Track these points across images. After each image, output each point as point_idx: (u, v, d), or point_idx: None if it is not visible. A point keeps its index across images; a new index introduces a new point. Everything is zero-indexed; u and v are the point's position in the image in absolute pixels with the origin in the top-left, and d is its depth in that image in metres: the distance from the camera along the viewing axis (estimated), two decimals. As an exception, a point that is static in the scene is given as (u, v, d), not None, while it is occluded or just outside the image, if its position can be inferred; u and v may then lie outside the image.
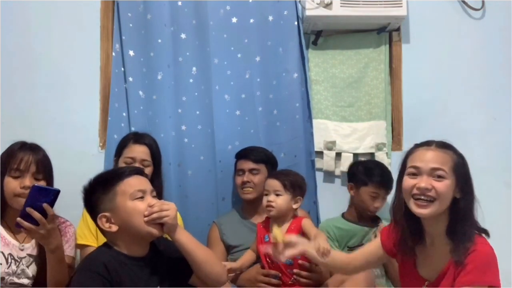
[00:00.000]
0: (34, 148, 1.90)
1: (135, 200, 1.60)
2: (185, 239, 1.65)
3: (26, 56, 2.66)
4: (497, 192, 2.73)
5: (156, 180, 2.30)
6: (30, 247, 1.87)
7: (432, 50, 2.81)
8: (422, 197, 1.61)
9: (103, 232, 1.64)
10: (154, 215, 1.59)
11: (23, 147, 1.88)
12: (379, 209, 2.46)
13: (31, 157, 1.86)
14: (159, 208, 1.60)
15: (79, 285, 1.52)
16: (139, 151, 2.28)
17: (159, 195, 2.24)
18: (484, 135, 2.77)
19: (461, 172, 1.63)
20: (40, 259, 1.85)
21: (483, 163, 2.72)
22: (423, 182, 1.60)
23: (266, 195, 2.20)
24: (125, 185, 1.61)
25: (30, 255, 1.85)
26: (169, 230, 1.63)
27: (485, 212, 2.63)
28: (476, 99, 2.81)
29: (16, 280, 1.81)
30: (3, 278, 1.78)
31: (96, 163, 2.52)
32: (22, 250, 1.84)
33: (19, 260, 1.82)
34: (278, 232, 1.76)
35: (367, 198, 2.43)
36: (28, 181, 1.83)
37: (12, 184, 1.83)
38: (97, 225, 1.63)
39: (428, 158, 1.63)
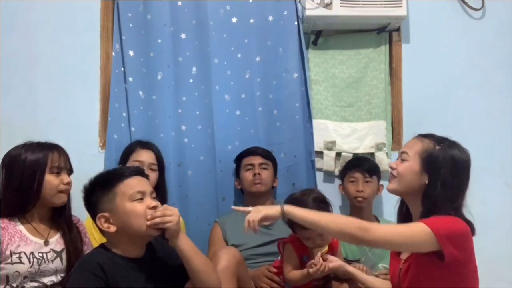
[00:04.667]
0: (59, 146, 1.95)
1: (134, 201, 1.61)
2: (186, 245, 1.65)
3: (26, 56, 2.66)
4: (497, 192, 2.73)
5: (161, 185, 2.36)
6: (54, 242, 1.90)
7: (432, 50, 2.81)
8: (390, 175, 1.82)
9: (102, 232, 1.65)
10: (157, 220, 1.59)
11: (52, 147, 1.92)
12: (364, 196, 2.47)
13: (64, 155, 1.93)
14: (162, 213, 1.61)
15: (74, 285, 1.53)
16: (146, 156, 2.35)
17: (164, 200, 2.27)
18: (484, 135, 2.77)
19: (427, 157, 1.71)
20: (67, 254, 1.89)
21: (483, 163, 2.72)
22: (392, 163, 1.84)
23: (308, 239, 2.03)
24: (125, 186, 1.62)
25: (53, 250, 1.88)
26: (171, 236, 1.63)
27: (485, 212, 2.65)
28: (476, 99, 2.81)
29: (37, 278, 1.83)
30: (25, 277, 1.80)
31: (96, 163, 2.52)
32: (46, 245, 1.87)
33: (41, 258, 1.84)
34: (325, 248, 2.00)
35: (348, 187, 2.53)
36: (67, 177, 1.91)
37: (55, 181, 1.87)
38: (96, 225, 1.64)
39: (404, 145, 1.87)
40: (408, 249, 1.69)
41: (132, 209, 1.60)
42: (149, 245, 1.70)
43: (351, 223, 1.63)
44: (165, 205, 1.65)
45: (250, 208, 1.74)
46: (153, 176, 2.31)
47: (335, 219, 1.71)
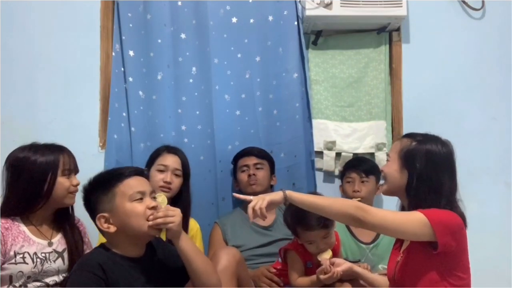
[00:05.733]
0: (66, 148, 1.97)
1: (134, 201, 1.61)
2: (187, 246, 1.66)
3: (26, 56, 2.66)
4: (497, 192, 2.73)
5: (185, 192, 2.35)
6: (56, 242, 1.91)
7: (432, 50, 2.81)
8: (382, 179, 1.89)
9: (101, 232, 1.65)
10: (159, 220, 1.60)
11: (62, 149, 1.94)
12: (360, 196, 2.47)
13: (73, 157, 1.96)
14: (164, 214, 1.61)
15: (74, 284, 1.54)
16: (172, 160, 2.33)
17: (187, 208, 2.28)
18: (484, 135, 2.77)
19: (404, 154, 1.76)
20: (69, 254, 1.91)
21: (483, 163, 2.73)
22: (382, 166, 1.94)
23: (311, 243, 2.03)
24: (125, 186, 1.62)
25: (55, 251, 1.89)
26: (173, 236, 1.64)
27: (485, 212, 2.65)
28: (476, 99, 2.81)
29: (40, 278, 1.85)
30: (28, 277, 1.82)
31: (96, 163, 2.51)
32: (50, 246, 1.89)
33: (43, 258, 1.85)
34: (328, 253, 2.00)
35: (346, 187, 2.56)
36: (76, 179, 1.94)
37: (67, 183, 1.91)
38: (96, 225, 1.64)
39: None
40: (402, 235, 1.72)
41: (132, 209, 1.60)
42: (150, 245, 1.70)
43: (351, 204, 1.68)
44: (167, 206, 1.66)
45: (251, 197, 1.75)
46: (177, 181, 2.31)
47: (334, 201, 1.75)
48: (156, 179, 2.26)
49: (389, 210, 1.74)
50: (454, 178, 1.75)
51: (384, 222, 1.64)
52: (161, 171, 2.29)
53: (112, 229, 1.60)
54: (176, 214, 1.63)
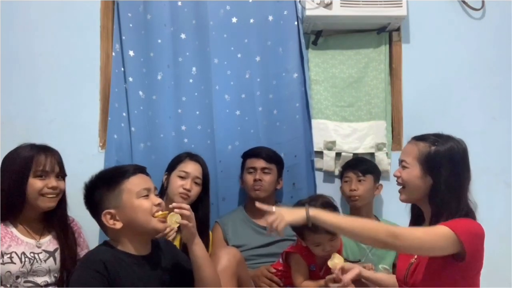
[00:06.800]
0: (50, 149, 1.92)
1: (141, 198, 1.64)
2: (201, 253, 1.72)
3: (26, 56, 2.66)
4: (497, 192, 2.74)
5: (204, 201, 2.32)
6: (46, 242, 1.89)
7: (432, 50, 2.81)
8: (398, 185, 1.81)
9: (106, 228, 1.66)
10: (186, 212, 1.69)
11: (41, 149, 1.89)
12: (357, 195, 2.48)
13: (53, 159, 1.89)
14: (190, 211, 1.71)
15: (77, 283, 1.54)
16: (193, 168, 2.31)
17: (207, 216, 2.30)
18: (484, 135, 2.77)
19: (425, 160, 1.72)
20: (61, 254, 1.88)
21: (483, 163, 2.72)
22: (395, 172, 1.82)
23: (318, 245, 2.02)
24: (131, 183, 1.64)
25: (45, 251, 1.87)
26: (188, 239, 1.71)
27: (485, 212, 2.65)
28: (476, 99, 2.81)
29: (30, 279, 1.83)
30: (17, 277, 1.80)
31: (96, 163, 2.51)
32: (39, 247, 1.87)
33: (32, 258, 1.83)
34: (339, 258, 1.91)
35: (343, 186, 2.56)
36: (54, 181, 1.87)
37: (39, 185, 1.84)
38: (99, 222, 1.65)
39: (402, 152, 1.85)
40: (433, 253, 1.64)
41: (139, 205, 1.63)
42: (156, 245, 1.72)
43: (381, 229, 1.60)
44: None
45: (273, 208, 1.67)
46: (196, 190, 2.28)
47: (363, 225, 1.64)
48: (175, 185, 2.26)
49: (415, 229, 1.68)
50: (470, 178, 1.75)
51: (417, 245, 1.59)
52: (181, 177, 2.27)
53: (118, 225, 1.62)
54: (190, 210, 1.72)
